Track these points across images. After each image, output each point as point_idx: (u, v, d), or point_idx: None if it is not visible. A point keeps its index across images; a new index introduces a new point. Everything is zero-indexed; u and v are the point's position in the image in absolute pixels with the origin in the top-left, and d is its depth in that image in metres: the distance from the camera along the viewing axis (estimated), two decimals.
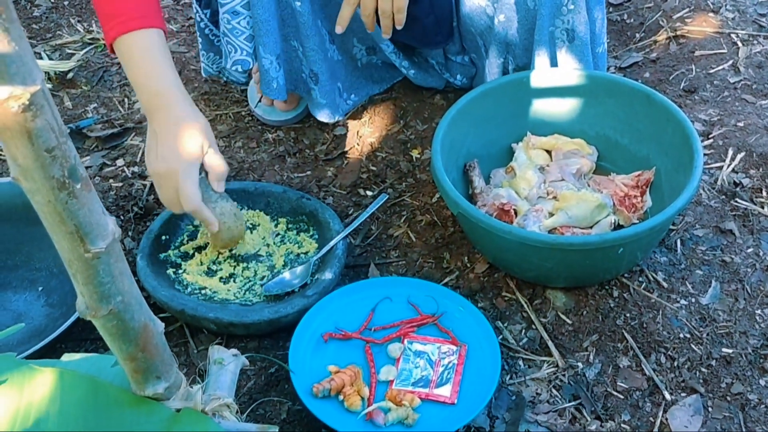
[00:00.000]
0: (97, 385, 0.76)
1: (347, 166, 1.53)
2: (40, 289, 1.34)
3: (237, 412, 0.81)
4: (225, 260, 1.32)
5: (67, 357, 0.84)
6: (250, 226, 1.37)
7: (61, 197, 0.59)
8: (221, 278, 1.29)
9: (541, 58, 1.39)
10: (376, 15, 1.34)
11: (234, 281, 1.29)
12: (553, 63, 1.40)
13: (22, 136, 0.55)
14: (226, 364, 0.84)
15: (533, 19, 1.35)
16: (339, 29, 1.37)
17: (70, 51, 1.88)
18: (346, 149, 1.57)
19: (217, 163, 1.20)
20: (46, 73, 1.79)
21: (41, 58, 1.84)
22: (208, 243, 1.33)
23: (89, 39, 1.91)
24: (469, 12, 1.44)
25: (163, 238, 1.32)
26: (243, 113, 1.66)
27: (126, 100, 1.73)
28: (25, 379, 0.77)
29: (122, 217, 1.44)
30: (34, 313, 1.30)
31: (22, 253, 1.37)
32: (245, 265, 1.31)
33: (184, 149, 1.16)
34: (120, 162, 1.57)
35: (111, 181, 1.53)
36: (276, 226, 1.37)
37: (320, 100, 1.53)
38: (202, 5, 1.46)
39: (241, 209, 1.33)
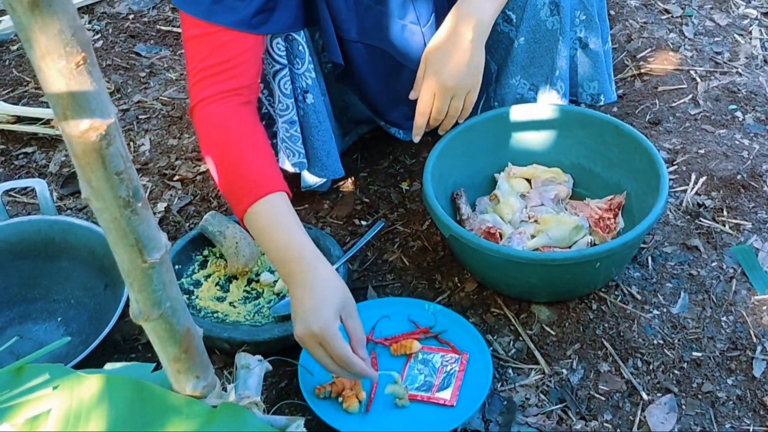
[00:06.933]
0: (141, 385, 0.85)
1: (342, 198, 1.65)
2: (59, 319, 1.43)
3: (264, 410, 0.91)
4: (234, 286, 1.42)
5: (109, 366, 0.93)
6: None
7: (126, 214, 0.68)
8: (231, 303, 1.39)
9: (558, 71, 1.50)
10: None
11: (244, 305, 1.39)
12: (571, 71, 1.54)
13: (97, 162, 0.65)
14: (252, 367, 0.94)
15: (553, 39, 1.46)
16: (416, 139, 1.42)
17: None
18: (339, 183, 1.68)
19: (352, 328, 1.14)
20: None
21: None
22: (216, 271, 1.44)
23: None
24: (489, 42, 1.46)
25: (176, 267, 1.42)
26: None
27: (131, 144, 1.84)
28: (74, 385, 0.86)
29: None
30: (54, 342, 1.39)
31: (41, 287, 1.46)
32: (251, 287, 1.42)
33: (321, 310, 1.12)
34: None
35: None
36: None
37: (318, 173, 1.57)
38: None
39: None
